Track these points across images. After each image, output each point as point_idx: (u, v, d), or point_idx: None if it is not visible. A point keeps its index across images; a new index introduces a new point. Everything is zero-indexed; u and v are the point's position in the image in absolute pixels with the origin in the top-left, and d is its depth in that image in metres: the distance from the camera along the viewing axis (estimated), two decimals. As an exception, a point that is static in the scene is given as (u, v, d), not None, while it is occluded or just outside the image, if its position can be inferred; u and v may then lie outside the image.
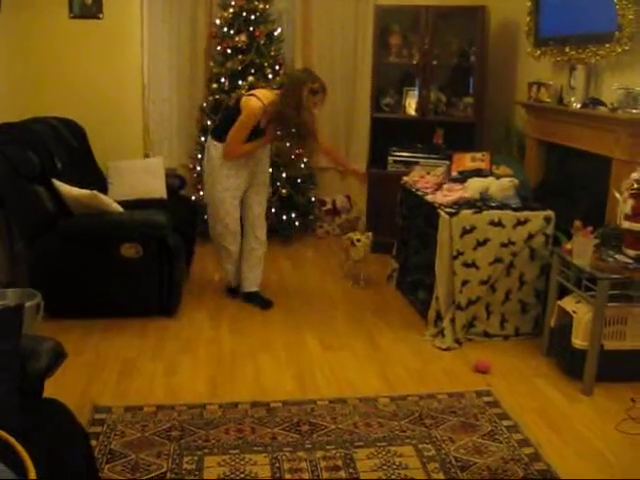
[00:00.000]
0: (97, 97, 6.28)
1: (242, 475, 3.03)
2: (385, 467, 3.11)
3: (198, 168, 6.63)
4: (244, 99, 4.72)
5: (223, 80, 6.47)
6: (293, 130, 4.75)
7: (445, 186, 4.87)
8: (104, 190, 5.35)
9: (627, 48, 4.32)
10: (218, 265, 6.09)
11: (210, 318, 4.87)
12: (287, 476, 3.02)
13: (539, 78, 5.51)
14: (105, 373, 4.00)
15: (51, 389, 2.67)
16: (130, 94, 6.51)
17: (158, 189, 5.81)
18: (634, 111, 4.25)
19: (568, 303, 4.10)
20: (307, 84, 4.61)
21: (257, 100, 4.64)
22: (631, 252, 3.99)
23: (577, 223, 4.09)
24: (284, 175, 6.56)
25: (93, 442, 3.15)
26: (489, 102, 6.68)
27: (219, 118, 6.02)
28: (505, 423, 3.53)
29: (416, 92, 6.55)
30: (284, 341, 4.51)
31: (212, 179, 4.91)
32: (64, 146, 5.35)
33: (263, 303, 5.13)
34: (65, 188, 4.69)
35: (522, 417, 3.60)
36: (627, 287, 3.95)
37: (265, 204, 5.18)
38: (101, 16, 6.21)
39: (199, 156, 6.63)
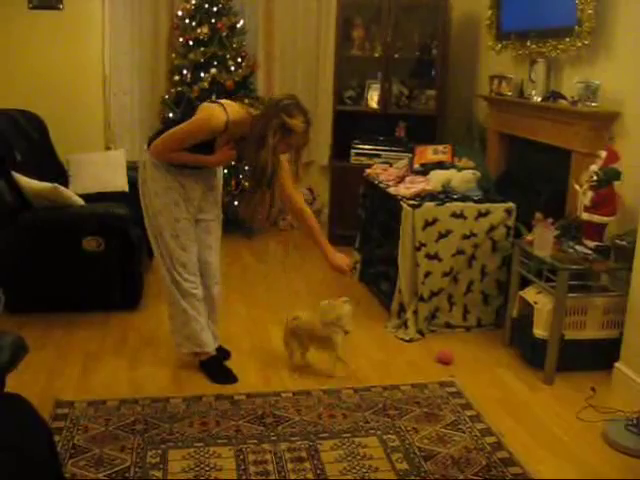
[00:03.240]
0: (57, 89, 6.22)
1: (207, 468, 3.02)
2: (350, 458, 3.12)
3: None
4: (205, 104, 3.67)
5: (185, 72, 6.43)
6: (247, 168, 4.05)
7: (407, 178, 4.90)
8: (64, 183, 5.29)
9: (587, 42, 4.37)
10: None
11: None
12: (252, 468, 3.02)
13: (500, 71, 5.55)
14: (67, 367, 3.97)
15: (13, 384, 2.63)
16: (91, 86, 6.47)
17: (119, 182, 5.77)
18: (593, 104, 4.31)
19: (529, 294, 4.15)
20: (280, 117, 3.47)
21: (222, 111, 3.54)
22: (590, 243, 4.05)
23: (538, 215, 4.14)
24: (246, 167, 6.53)
25: (56, 437, 3.10)
26: (451, 95, 6.73)
27: (161, 127, 4.34)
28: (468, 413, 3.57)
29: (378, 85, 6.57)
30: (247, 334, 4.50)
31: (152, 203, 3.75)
32: (24, 138, 5.29)
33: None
34: (25, 181, 4.63)
35: (484, 407, 3.64)
36: (587, 278, 4.02)
37: (218, 250, 4.03)
38: (61, 7, 6.16)
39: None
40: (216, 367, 3.95)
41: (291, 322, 3.97)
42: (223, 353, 4.11)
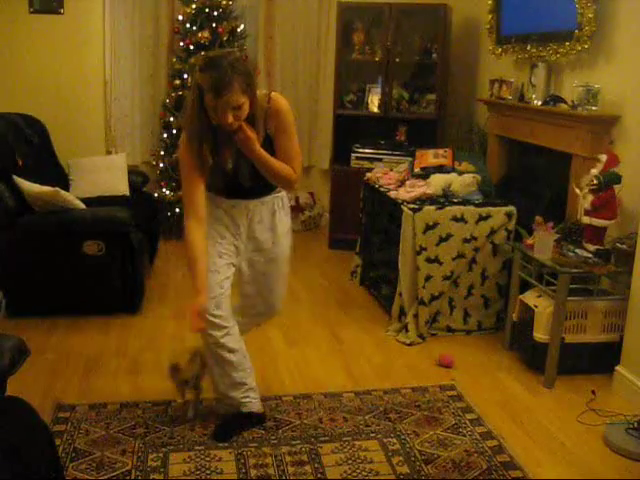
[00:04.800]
0: (58, 93, 6.24)
1: (207, 471, 3.02)
2: (350, 461, 3.12)
3: (161, 165, 6.60)
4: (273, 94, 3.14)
5: (186, 76, 6.43)
6: None
7: (408, 182, 4.90)
8: (65, 187, 5.30)
9: (587, 46, 4.38)
10: (181, 262, 6.08)
11: (173, 315, 4.84)
12: (252, 472, 3.03)
13: (500, 75, 5.56)
14: (68, 371, 3.97)
15: (14, 388, 2.64)
16: (92, 90, 6.48)
17: (120, 186, 5.79)
18: (594, 108, 4.32)
19: (529, 297, 4.15)
20: (195, 71, 2.96)
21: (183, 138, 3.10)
22: (591, 247, 4.05)
23: (538, 218, 4.14)
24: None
25: (57, 441, 3.12)
26: (451, 99, 6.74)
27: None
28: (468, 416, 3.57)
29: (379, 89, 6.57)
30: (247, 337, 4.46)
31: None
32: (25, 142, 5.30)
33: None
34: (26, 185, 4.64)
35: (485, 410, 3.64)
36: (587, 281, 4.02)
37: (276, 290, 3.52)
38: (62, 11, 6.17)
39: (162, 153, 6.61)
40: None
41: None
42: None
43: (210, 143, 2.99)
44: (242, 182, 3.12)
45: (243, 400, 3.38)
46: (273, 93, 3.14)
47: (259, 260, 3.38)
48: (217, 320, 3.21)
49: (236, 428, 3.38)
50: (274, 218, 3.33)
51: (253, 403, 3.42)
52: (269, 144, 3.09)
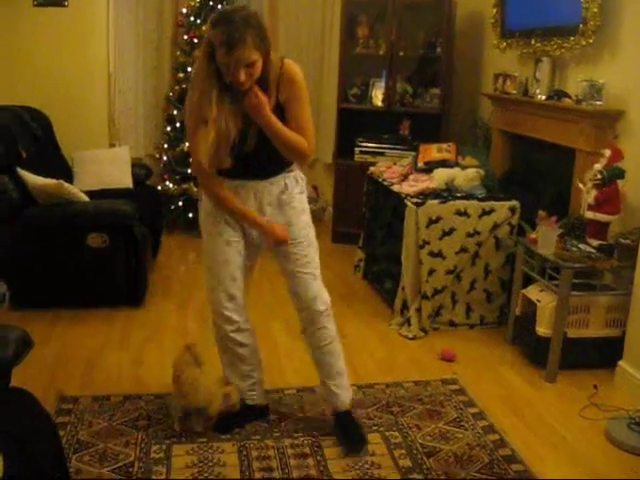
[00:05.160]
0: (62, 86, 6.23)
1: (210, 464, 3.03)
2: (352, 454, 3.13)
3: (165, 158, 6.61)
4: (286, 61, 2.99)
5: (190, 69, 6.43)
6: None
7: (411, 176, 4.90)
8: (69, 180, 5.30)
9: (591, 41, 4.37)
10: (184, 255, 6.09)
11: (176, 308, 4.85)
12: (255, 464, 3.04)
13: (505, 70, 5.55)
14: (71, 363, 3.98)
15: (17, 379, 2.64)
16: (95, 83, 6.47)
17: (124, 179, 5.79)
18: (598, 103, 4.31)
19: (532, 292, 4.15)
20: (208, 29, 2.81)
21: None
22: (594, 242, 4.05)
23: (541, 213, 4.14)
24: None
25: (60, 432, 3.12)
26: (455, 93, 6.73)
27: None
28: (471, 410, 3.57)
29: (383, 83, 6.56)
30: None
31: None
32: (29, 135, 5.30)
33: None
34: (30, 177, 4.65)
35: (487, 404, 3.65)
36: (590, 276, 4.02)
37: (309, 280, 3.21)
38: (66, 4, 6.16)
39: (165, 146, 6.61)
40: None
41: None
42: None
43: (218, 104, 2.81)
44: (248, 150, 2.90)
45: (249, 392, 3.37)
46: (286, 59, 2.98)
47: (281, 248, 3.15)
48: (228, 313, 3.17)
49: (239, 420, 3.35)
50: (284, 196, 3.09)
51: (258, 396, 3.40)
52: (280, 113, 2.91)
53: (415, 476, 2.99)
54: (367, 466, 3.05)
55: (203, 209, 3.19)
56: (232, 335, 3.22)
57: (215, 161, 2.89)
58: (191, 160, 3.13)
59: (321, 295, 3.22)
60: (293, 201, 3.12)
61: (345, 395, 3.30)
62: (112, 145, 6.59)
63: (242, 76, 2.72)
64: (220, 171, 2.98)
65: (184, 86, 6.42)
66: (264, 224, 3.05)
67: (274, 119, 2.85)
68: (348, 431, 3.26)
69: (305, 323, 3.29)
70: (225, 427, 3.32)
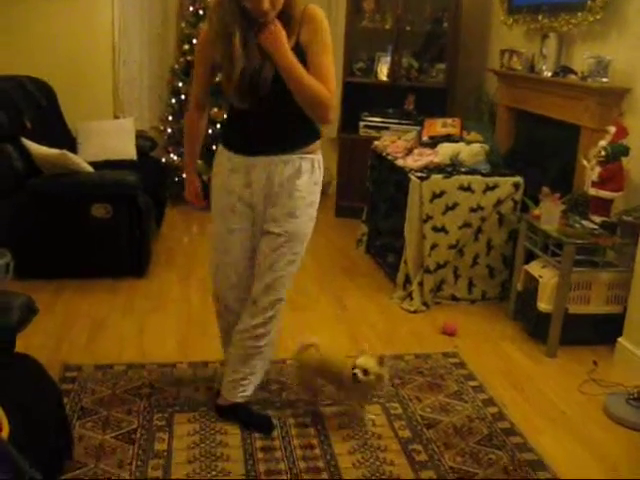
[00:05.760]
0: (67, 57, 6.22)
1: (212, 431, 3.06)
2: (353, 425, 3.16)
3: (169, 130, 6.61)
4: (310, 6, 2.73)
5: (195, 41, 6.41)
6: None
7: (416, 151, 4.90)
8: (73, 151, 5.30)
9: (599, 17, 4.36)
10: (188, 227, 6.11)
11: (180, 278, 4.88)
12: (256, 433, 3.07)
13: (511, 46, 5.53)
14: (75, 332, 4.01)
15: (22, 348, 2.68)
16: (100, 55, 6.46)
17: (128, 150, 5.80)
18: (604, 80, 4.30)
19: (534, 268, 4.16)
20: None
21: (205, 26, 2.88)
22: (597, 218, 4.06)
23: (545, 189, 4.15)
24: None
25: (64, 399, 3.15)
26: (461, 69, 6.69)
27: None
28: (471, 383, 3.60)
29: (388, 57, 6.54)
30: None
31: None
32: (33, 105, 5.30)
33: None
34: (34, 147, 4.66)
35: (487, 378, 3.67)
36: (592, 253, 4.02)
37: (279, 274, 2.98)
38: (71, -26, 6.13)
39: (170, 118, 6.61)
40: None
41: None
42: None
43: (235, 35, 2.61)
44: (262, 93, 2.67)
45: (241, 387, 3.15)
46: (310, 4, 2.73)
47: (273, 232, 2.91)
48: (226, 302, 3.15)
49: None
50: (298, 181, 2.85)
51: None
52: (300, 57, 2.64)
53: (415, 446, 3.02)
54: (367, 436, 3.08)
55: (213, 186, 3.03)
56: (229, 319, 3.18)
57: (232, 98, 2.74)
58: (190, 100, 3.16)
59: (275, 296, 3.01)
60: (303, 191, 2.87)
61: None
62: (116, 116, 6.58)
63: (266, 3, 2.54)
64: (233, 146, 2.91)
65: (189, 58, 6.41)
66: (187, 178, 3.25)
67: (292, 57, 2.60)
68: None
69: (245, 313, 3.07)
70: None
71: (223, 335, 3.31)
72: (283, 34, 2.58)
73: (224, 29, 2.63)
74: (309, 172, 2.88)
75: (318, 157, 2.93)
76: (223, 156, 2.96)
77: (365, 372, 3.02)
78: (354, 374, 3.02)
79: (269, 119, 2.79)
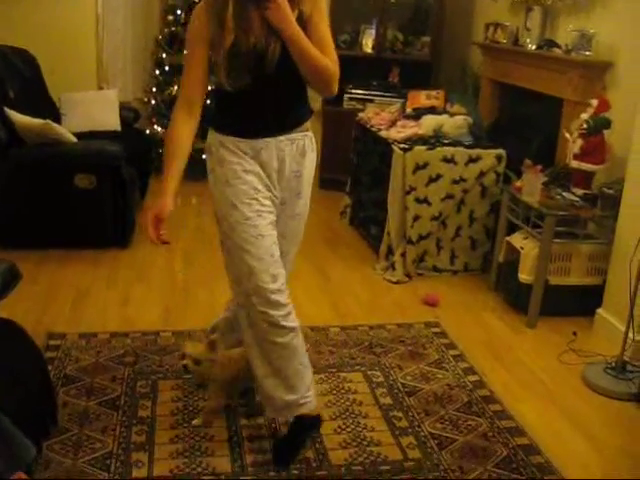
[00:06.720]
0: (50, 27, 6.16)
1: (195, 398, 3.09)
2: (335, 391, 3.21)
3: (153, 102, 6.58)
4: None
5: (179, 12, 6.39)
6: None
7: (399, 123, 4.91)
8: (57, 121, 5.25)
9: (583, -10, 4.38)
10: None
11: (163, 249, 4.87)
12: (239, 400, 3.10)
13: (496, 19, 5.54)
14: (59, 302, 4.02)
15: (5, 316, 2.69)
16: (83, 25, 6.40)
17: (112, 121, 5.77)
18: (587, 53, 4.32)
19: (516, 239, 4.20)
20: None
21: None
22: (578, 191, 4.10)
23: (527, 161, 4.18)
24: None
25: (48, 367, 3.18)
26: (446, 42, 6.70)
27: None
28: (451, 352, 3.64)
29: (373, 30, 6.53)
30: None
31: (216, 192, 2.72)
32: (16, 75, 5.25)
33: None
34: (17, 117, 4.63)
35: (468, 347, 3.72)
36: (573, 225, 4.06)
37: (292, 255, 2.94)
38: (54, -58, 6.07)
39: (154, 89, 6.58)
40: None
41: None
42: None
43: (237, 11, 2.45)
44: (269, 70, 2.48)
45: (306, 397, 2.76)
46: None
47: (283, 215, 2.77)
48: (275, 297, 2.60)
49: (296, 443, 2.81)
50: (303, 161, 2.73)
51: (313, 398, 2.81)
52: (302, 28, 2.50)
53: (396, 413, 3.06)
54: (348, 403, 3.12)
55: (217, 178, 2.68)
56: (283, 323, 2.63)
57: (232, 78, 2.48)
58: (179, 92, 2.66)
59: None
60: (308, 169, 2.77)
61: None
62: (100, 87, 6.53)
63: None
64: (235, 131, 2.63)
65: (173, 29, 6.38)
66: (159, 200, 2.58)
67: (299, 30, 2.46)
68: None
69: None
70: (286, 457, 2.76)
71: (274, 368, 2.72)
72: (287, 5, 2.44)
73: (224, 6, 2.45)
74: (310, 149, 2.76)
75: (312, 134, 2.79)
76: (224, 144, 2.64)
77: (196, 361, 2.84)
78: (184, 365, 2.84)
79: (271, 98, 2.59)
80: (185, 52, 2.66)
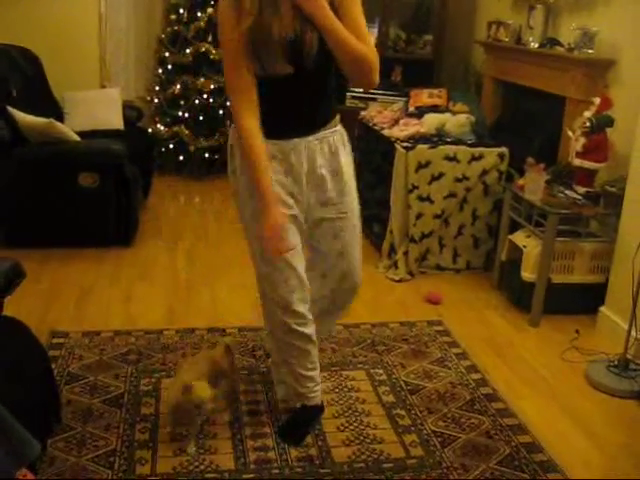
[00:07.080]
0: (53, 26, 6.16)
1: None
2: (337, 389, 3.22)
3: (156, 100, 6.59)
4: None
5: (182, 11, 6.39)
6: None
7: (402, 121, 4.91)
8: (60, 120, 5.26)
9: (585, -12, 4.38)
10: (175, 197, 6.12)
11: (166, 247, 4.89)
12: (242, 397, 3.10)
13: (498, 17, 5.53)
14: (62, 300, 4.02)
15: (10, 314, 2.69)
16: (86, 24, 6.40)
17: (114, 120, 5.77)
18: (590, 51, 4.32)
19: (519, 238, 4.20)
20: None
21: None
22: (581, 189, 4.09)
23: (530, 159, 4.17)
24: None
25: (52, 365, 3.18)
26: (448, 40, 6.70)
27: None
28: (454, 351, 3.65)
29: (376, 29, 6.53)
30: (240, 269, 4.54)
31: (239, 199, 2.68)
32: (19, 74, 5.26)
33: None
34: (20, 115, 4.64)
35: (471, 345, 3.72)
36: (575, 223, 4.07)
37: (354, 255, 2.99)
38: (58, -59, 6.07)
39: (157, 88, 6.59)
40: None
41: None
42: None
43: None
44: (308, 58, 2.36)
45: (314, 391, 2.90)
46: None
47: (329, 217, 2.71)
48: (296, 307, 2.66)
49: (307, 425, 2.92)
50: (337, 158, 2.63)
51: (319, 392, 2.93)
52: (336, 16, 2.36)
53: (399, 411, 3.07)
54: (351, 401, 3.13)
55: (244, 184, 2.60)
56: (300, 330, 2.70)
57: (272, 69, 2.38)
58: (232, 97, 2.48)
59: (360, 276, 2.96)
60: (345, 165, 2.68)
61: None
62: (103, 86, 6.54)
63: None
64: (271, 130, 2.48)
65: (176, 28, 6.38)
66: (266, 211, 2.47)
67: (334, 17, 2.32)
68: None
69: (332, 304, 2.97)
70: (293, 436, 2.87)
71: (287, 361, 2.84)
72: None
73: None
74: (342, 145, 2.66)
75: (343, 129, 2.70)
76: None
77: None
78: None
79: (303, 94, 2.49)
80: (223, 51, 2.47)
